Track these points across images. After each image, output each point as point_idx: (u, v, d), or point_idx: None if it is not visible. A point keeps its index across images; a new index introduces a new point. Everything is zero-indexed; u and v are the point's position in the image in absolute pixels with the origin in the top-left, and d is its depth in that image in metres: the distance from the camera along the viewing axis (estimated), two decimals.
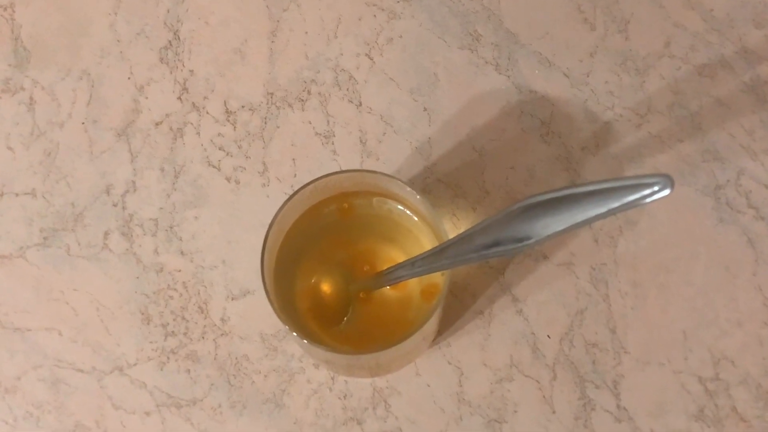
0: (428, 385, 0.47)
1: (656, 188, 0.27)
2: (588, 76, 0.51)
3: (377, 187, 0.40)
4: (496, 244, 0.33)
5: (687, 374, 0.47)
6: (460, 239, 0.35)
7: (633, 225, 0.49)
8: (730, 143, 0.50)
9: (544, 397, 0.47)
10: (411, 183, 0.50)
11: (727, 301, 0.48)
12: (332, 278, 0.43)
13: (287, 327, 0.37)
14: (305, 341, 0.37)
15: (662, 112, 0.50)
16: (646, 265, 0.48)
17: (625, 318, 0.48)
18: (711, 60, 0.51)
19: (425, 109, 0.51)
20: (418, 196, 0.37)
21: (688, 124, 0.50)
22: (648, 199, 0.28)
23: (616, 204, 0.29)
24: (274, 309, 0.37)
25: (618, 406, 0.46)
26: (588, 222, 0.30)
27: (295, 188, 0.40)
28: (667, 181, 0.27)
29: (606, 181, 0.29)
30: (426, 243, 0.42)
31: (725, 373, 0.47)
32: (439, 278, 0.41)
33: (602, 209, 0.29)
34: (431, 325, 0.39)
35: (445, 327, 0.48)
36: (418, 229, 0.42)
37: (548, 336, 0.48)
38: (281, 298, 0.41)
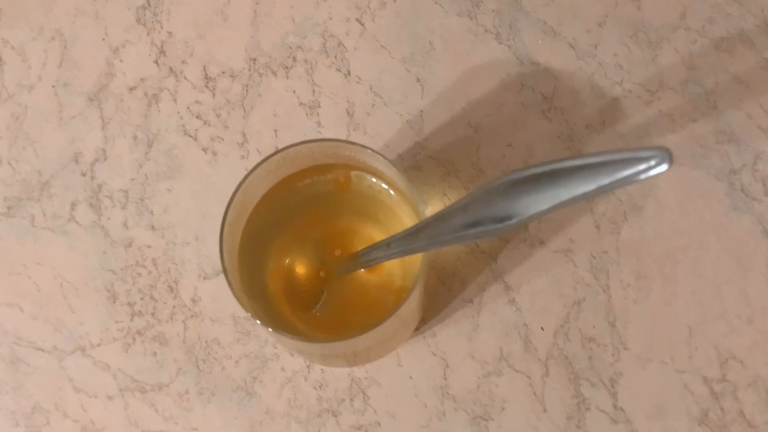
0: (410, 377, 0.44)
1: (652, 163, 0.24)
2: (596, 48, 0.47)
3: (353, 160, 0.37)
4: (476, 224, 0.30)
5: (691, 374, 0.43)
6: (437, 218, 0.32)
7: (638, 211, 0.45)
8: (747, 124, 0.46)
9: (534, 393, 0.43)
10: (400, 159, 0.46)
11: (737, 295, 0.44)
12: (306, 259, 0.40)
13: (249, 313, 0.33)
14: (270, 329, 0.34)
15: (675, 89, 0.46)
16: (651, 254, 0.44)
17: (626, 311, 0.44)
18: (730, 33, 0.47)
19: (418, 80, 0.47)
20: (395, 170, 0.34)
21: (703, 102, 0.46)
22: (643, 176, 0.24)
23: (606, 180, 0.25)
24: (233, 292, 0.33)
25: (615, 407, 0.43)
26: (575, 201, 0.26)
27: None
28: (665, 154, 0.23)
29: (595, 154, 0.25)
30: (408, 222, 0.38)
31: (733, 373, 0.43)
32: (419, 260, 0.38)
33: (591, 186, 0.25)
34: (408, 308, 0.36)
35: (431, 315, 0.44)
36: (399, 207, 0.39)
37: (542, 328, 0.44)
38: (248, 279, 0.37)
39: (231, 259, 0.35)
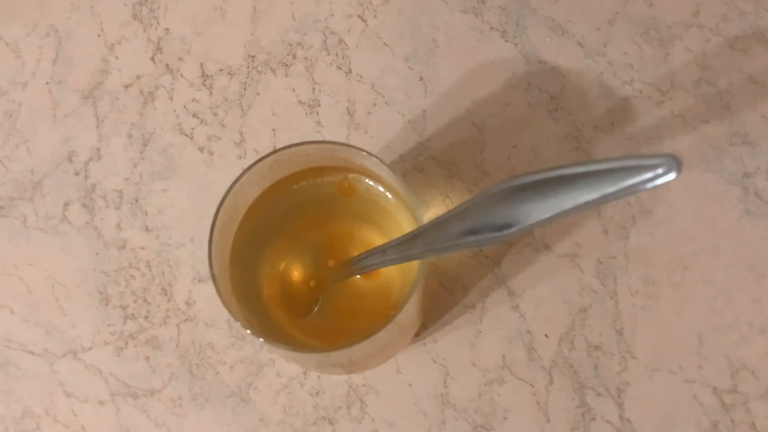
0: (410, 385, 0.43)
1: (659, 171, 0.22)
2: (605, 46, 0.46)
3: (350, 162, 0.35)
4: (474, 231, 0.28)
5: (701, 384, 0.41)
6: (435, 225, 0.30)
7: (648, 215, 0.43)
8: (761, 126, 0.44)
9: (538, 403, 0.42)
10: (401, 160, 0.45)
11: (749, 303, 0.42)
12: (302, 264, 0.39)
13: (238, 322, 0.32)
14: (261, 339, 0.33)
15: (687, 89, 0.45)
16: (660, 260, 0.43)
17: (633, 319, 0.42)
18: (744, 32, 0.45)
19: (421, 79, 0.46)
20: (392, 173, 0.32)
21: (716, 103, 0.44)
22: (649, 184, 0.23)
23: (611, 189, 0.24)
24: (222, 301, 0.32)
25: (621, 417, 0.41)
26: (578, 209, 0.25)
27: None
28: (673, 162, 0.22)
29: (600, 161, 0.24)
30: (406, 227, 0.37)
31: (744, 384, 0.41)
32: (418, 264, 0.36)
33: (594, 195, 0.24)
34: (406, 315, 0.34)
35: (432, 320, 0.43)
36: (398, 210, 0.37)
37: (546, 335, 0.42)
38: (241, 285, 0.36)
39: (222, 266, 0.34)
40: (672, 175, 0.22)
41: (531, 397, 0.42)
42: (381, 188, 0.37)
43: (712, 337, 0.42)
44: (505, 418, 0.42)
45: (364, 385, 0.43)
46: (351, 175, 0.37)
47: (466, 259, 0.44)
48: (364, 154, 0.33)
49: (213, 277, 0.32)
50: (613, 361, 0.42)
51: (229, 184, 0.33)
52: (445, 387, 0.42)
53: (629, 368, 0.42)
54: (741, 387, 0.41)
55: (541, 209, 0.26)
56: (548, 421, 0.42)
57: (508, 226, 0.27)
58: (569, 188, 0.25)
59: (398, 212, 0.37)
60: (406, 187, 0.33)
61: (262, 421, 0.42)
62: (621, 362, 0.42)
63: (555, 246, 0.43)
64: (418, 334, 0.43)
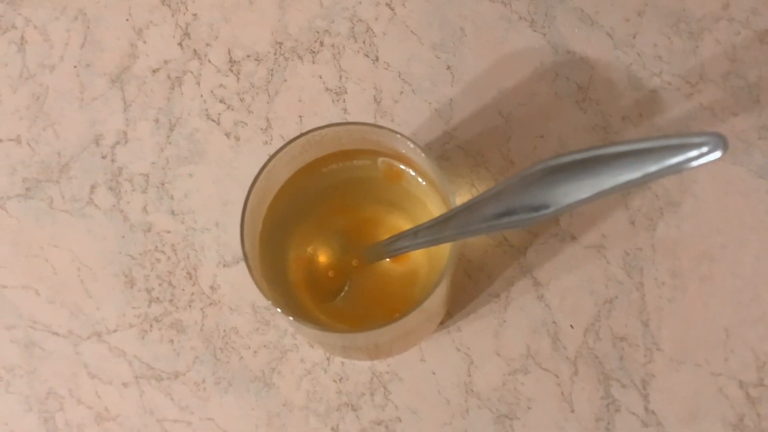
0: (433, 373, 0.42)
1: (704, 149, 0.22)
2: (634, 38, 0.45)
3: (380, 145, 0.35)
4: (509, 213, 0.28)
5: (726, 377, 0.41)
6: (468, 207, 0.30)
7: (675, 206, 0.43)
8: None
9: (562, 393, 0.42)
10: (428, 149, 0.45)
11: None
12: (329, 248, 0.39)
13: (270, 301, 0.32)
14: (291, 318, 0.33)
15: (716, 82, 0.44)
16: (688, 252, 0.43)
17: (660, 311, 0.42)
18: None
19: (448, 68, 0.46)
20: (423, 155, 0.32)
21: (745, 96, 0.44)
22: (694, 163, 0.22)
23: (654, 168, 0.23)
24: (254, 279, 0.32)
25: (646, 409, 0.41)
26: (618, 189, 0.24)
27: None
28: (719, 141, 0.22)
29: (643, 140, 0.24)
30: (435, 211, 0.37)
31: None
32: (447, 251, 0.36)
33: (636, 174, 0.24)
34: (433, 302, 0.34)
35: (456, 309, 0.43)
36: (427, 196, 0.37)
37: (571, 326, 0.42)
38: (269, 267, 0.36)
39: (252, 246, 0.34)
40: (717, 154, 0.22)
41: (555, 388, 0.42)
42: (412, 172, 0.37)
43: (738, 330, 0.42)
44: (529, 408, 0.42)
45: (387, 372, 0.42)
46: (380, 159, 0.37)
47: (492, 248, 0.44)
48: (398, 136, 0.32)
49: (245, 257, 0.32)
50: (639, 352, 0.42)
51: (255, 169, 0.33)
52: (469, 376, 0.42)
53: (655, 360, 0.42)
54: (767, 380, 0.41)
55: (579, 189, 0.26)
56: (572, 411, 0.41)
57: (545, 206, 0.27)
58: (609, 168, 0.25)
59: (428, 197, 0.37)
60: (440, 170, 0.33)
61: (285, 406, 0.42)
62: (646, 354, 0.42)
63: (581, 236, 0.43)
64: (443, 322, 0.43)
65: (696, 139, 0.22)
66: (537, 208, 0.27)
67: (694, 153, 0.22)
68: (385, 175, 0.37)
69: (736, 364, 0.41)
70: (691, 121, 0.44)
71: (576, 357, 0.42)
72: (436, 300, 0.35)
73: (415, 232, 0.33)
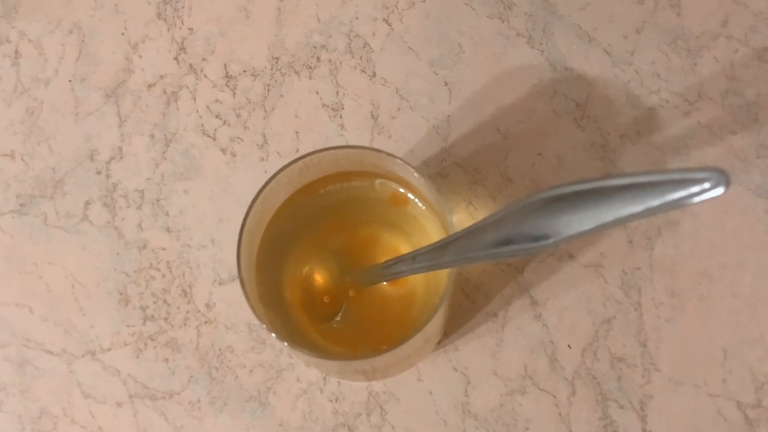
0: (430, 393, 0.42)
1: (707, 185, 0.22)
2: (632, 55, 0.45)
3: (378, 168, 0.35)
4: (509, 241, 0.28)
5: (725, 398, 0.41)
6: (468, 233, 0.30)
7: (673, 226, 0.43)
8: None
9: (560, 414, 0.41)
10: (425, 165, 0.45)
11: None
12: (326, 268, 0.38)
13: (263, 325, 0.32)
14: (285, 344, 0.32)
15: (714, 100, 0.44)
16: (686, 272, 0.43)
17: (658, 331, 0.42)
18: None
19: (446, 84, 0.46)
20: (423, 180, 0.32)
21: (744, 114, 0.44)
22: (696, 199, 0.22)
23: (656, 202, 0.23)
24: (249, 303, 0.32)
25: (644, 430, 0.41)
26: (620, 222, 0.24)
27: None
28: (721, 177, 0.22)
29: (645, 173, 0.23)
30: (433, 235, 0.37)
31: None
32: (446, 275, 0.36)
33: (638, 207, 0.23)
34: (433, 326, 0.34)
35: (453, 328, 0.43)
36: (425, 218, 0.37)
37: (569, 346, 0.42)
38: (265, 287, 0.36)
39: (248, 268, 0.34)
40: (720, 190, 0.22)
41: (553, 408, 0.42)
42: (409, 195, 0.37)
43: (736, 351, 0.42)
44: (526, 428, 0.41)
45: (384, 392, 0.42)
46: (378, 181, 0.37)
47: (489, 267, 0.43)
48: (397, 161, 0.32)
49: (241, 282, 0.32)
50: (637, 373, 0.42)
51: (252, 185, 0.32)
52: (466, 396, 0.42)
53: (653, 381, 0.41)
54: (765, 402, 0.41)
55: (580, 220, 0.25)
56: None
57: (546, 237, 0.26)
58: (612, 200, 0.24)
59: (426, 219, 0.37)
60: (437, 193, 0.33)
61: (281, 426, 0.42)
62: (644, 374, 0.42)
63: (579, 255, 0.43)
64: (440, 342, 0.43)
65: (699, 175, 0.22)
66: (537, 238, 0.27)
67: (696, 189, 0.22)
68: (390, 201, 0.37)
69: (735, 385, 0.41)
70: (690, 140, 0.44)
71: (574, 377, 0.42)
72: (436, 325, 0.35)
73: (413, 257, 0.33)
